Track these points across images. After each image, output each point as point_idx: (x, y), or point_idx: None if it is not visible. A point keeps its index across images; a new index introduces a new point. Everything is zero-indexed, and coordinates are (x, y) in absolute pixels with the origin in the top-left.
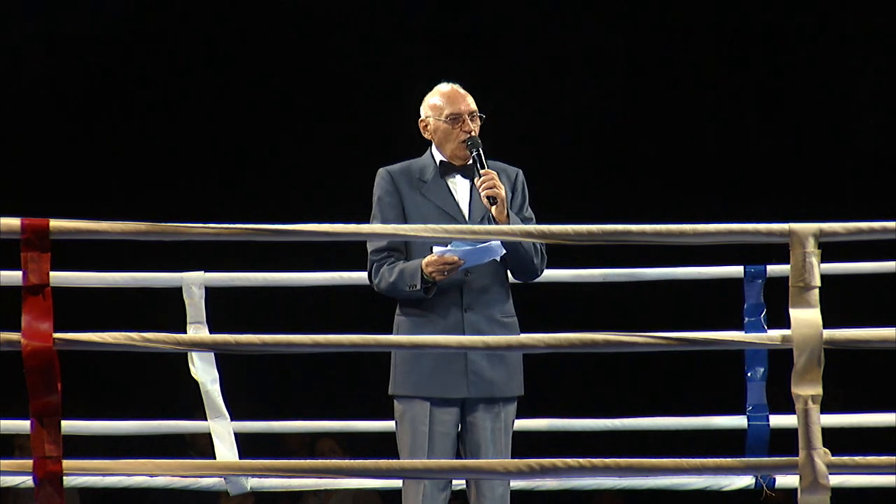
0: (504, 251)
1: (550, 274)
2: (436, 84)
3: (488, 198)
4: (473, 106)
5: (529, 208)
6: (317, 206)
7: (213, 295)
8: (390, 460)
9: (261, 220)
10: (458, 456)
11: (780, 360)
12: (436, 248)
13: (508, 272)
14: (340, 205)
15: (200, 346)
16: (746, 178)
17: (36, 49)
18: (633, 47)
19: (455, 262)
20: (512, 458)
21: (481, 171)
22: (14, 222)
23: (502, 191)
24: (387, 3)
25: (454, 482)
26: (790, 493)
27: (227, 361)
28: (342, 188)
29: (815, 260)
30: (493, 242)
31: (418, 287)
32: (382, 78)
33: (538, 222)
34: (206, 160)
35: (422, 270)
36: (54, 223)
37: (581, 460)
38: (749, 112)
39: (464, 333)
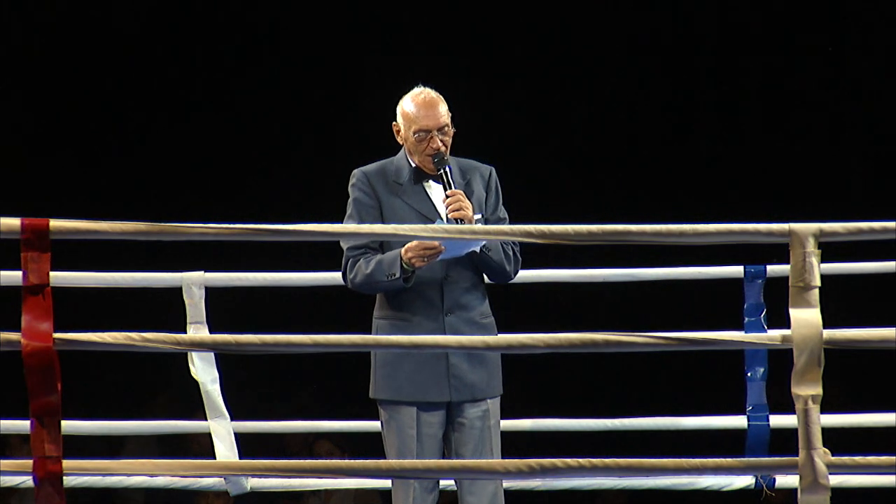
0: (484, 242)
1: (550, 274)
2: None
3: (456, 220)
4: (444, 119)
5: (503, 208)
6: (316, 207)
7: (213, 295)
8: (390, 460)
9: (260, 220)
10: (442, 456)
11: (780, 360)
12: None
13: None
14: (339, 205)
15: (200, 346)
16: (746, 178)
17: (36, 48)
18: (632, 45)
19: (436, 247)
20: (510, 458)
21: (448, 192)
22: (14, 222)
23: (469, 211)
24: (385, 4)
25: (442, 482)
26: (790, 493)
27: (227, 361)
28: (340, 189)
29: (815, 260)
30: None
31: (397, 276)
32: (382, 78)
33: (513, 221)
34: (207, 160)
35: (401, 259)
36: (54, 223)
37: (581, 460)
38: (749, 112)
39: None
